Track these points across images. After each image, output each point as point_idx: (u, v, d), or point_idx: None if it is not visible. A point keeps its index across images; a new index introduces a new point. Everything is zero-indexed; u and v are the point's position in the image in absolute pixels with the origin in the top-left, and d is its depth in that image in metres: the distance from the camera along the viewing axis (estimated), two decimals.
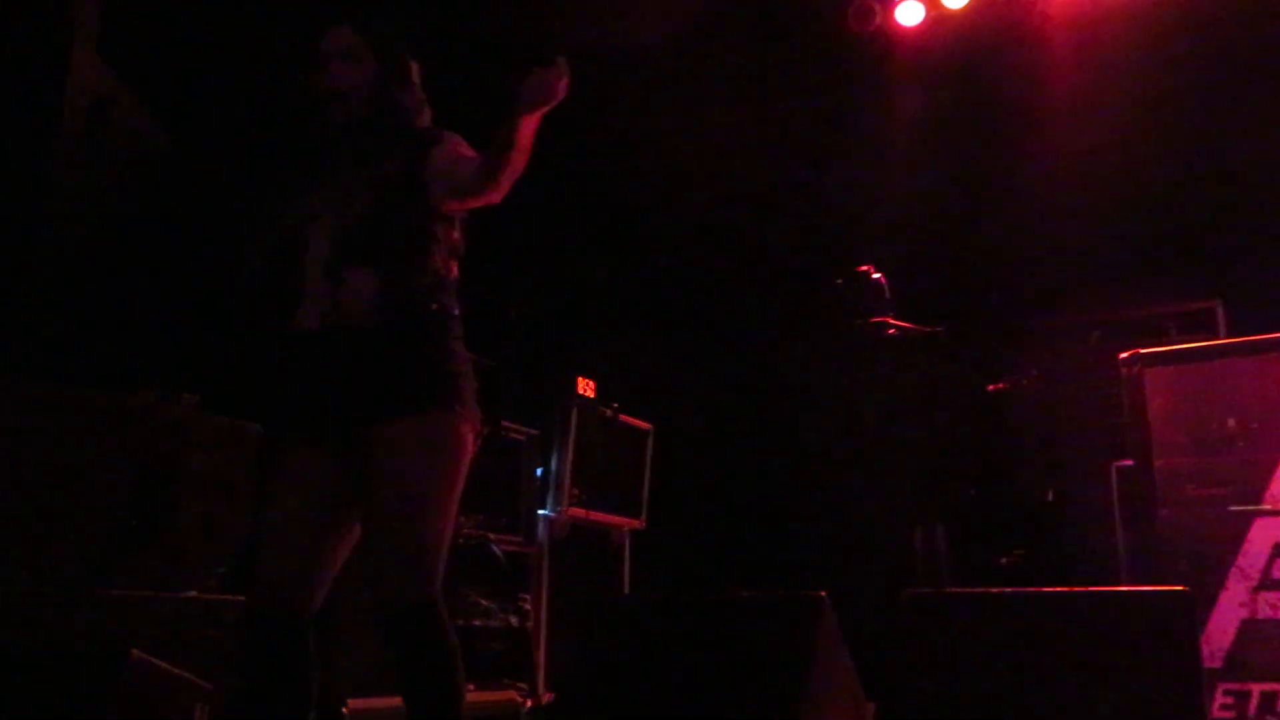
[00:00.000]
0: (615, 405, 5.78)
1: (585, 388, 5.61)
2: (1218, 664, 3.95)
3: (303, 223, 2.39)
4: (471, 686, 4.56)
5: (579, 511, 5.48)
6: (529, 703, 4.63)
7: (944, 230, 6.37)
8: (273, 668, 2.28)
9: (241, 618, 2.39)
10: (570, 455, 5.44)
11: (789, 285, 6.76)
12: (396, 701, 3.79)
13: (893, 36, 6.14)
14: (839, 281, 5.95)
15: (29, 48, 3.19)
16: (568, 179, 6.12)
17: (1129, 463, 4.63)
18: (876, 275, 5.72)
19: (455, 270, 2.53)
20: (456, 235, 2.52)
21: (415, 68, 2.50)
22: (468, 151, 2.44)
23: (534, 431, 5.45)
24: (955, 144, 6.28)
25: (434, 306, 2.38)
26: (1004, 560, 5.71)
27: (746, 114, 6.20)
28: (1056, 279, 6.26)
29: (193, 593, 3.15)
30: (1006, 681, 2.44)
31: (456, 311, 2.51)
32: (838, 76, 6.30)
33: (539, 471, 5.44)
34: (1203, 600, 3.89)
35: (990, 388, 5.85)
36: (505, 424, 5.23)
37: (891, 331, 5.78)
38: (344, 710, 3.51)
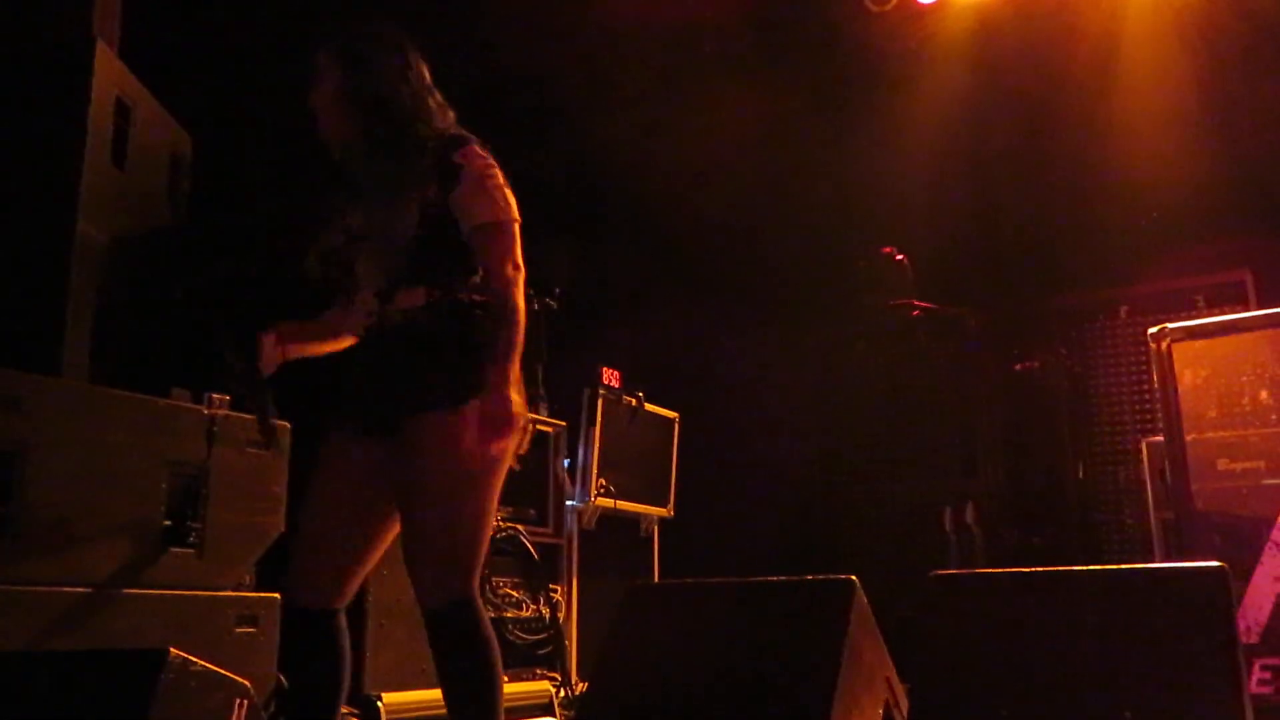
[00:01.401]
0: (641, 394, 5.79)
1: (610, 378, 5.62)
2: (1254, 639, 3.92)
3: (348, 241, 2.42)
4: (505, 677, 4.61)
5: (607, 501, 5.49)
6: (562, 692, 4.65)
7: (967, 210, 6.33)
8: (305, 658, 2.32)
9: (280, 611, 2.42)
10: (597, 446, 5.45)
11: (812, 269, 6.74)
12: (432, 695, 3.84)
13: (910, 15, 6.10)
14: (861, 264, 5.94)
15: (52, 52, 3.22)
16: (589, 167, 6.13)
17: (1160, 438, 4.60)
18: (899, 257, 5.71)
19: None
20: None
21: (395, 69, 2.43)
22: (483, 207, 2.39)
23: (561, 423, 5.47)
24: (975, 122, 6.23)
25: (478, 310, 2.40)
26: (1035, 539, 5.69)
27: (766, 97, 6.17)
28: (1082, 255, 6.21)
29: (228, 590, 3.18)
30: (1039, 661, 2.42)
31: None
32: (857, 57, 6.26)
33: (566, 463, 5.46)
34: (1238, 575, 3.86)
35: (1018, 367, 5.82)
36: (532, 416, 5.24)
37: (916, 313, 5.76)
38: (379, 704, 3.54)
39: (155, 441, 3.11)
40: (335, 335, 2.52)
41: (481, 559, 2.32)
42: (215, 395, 3.22)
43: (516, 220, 2.44)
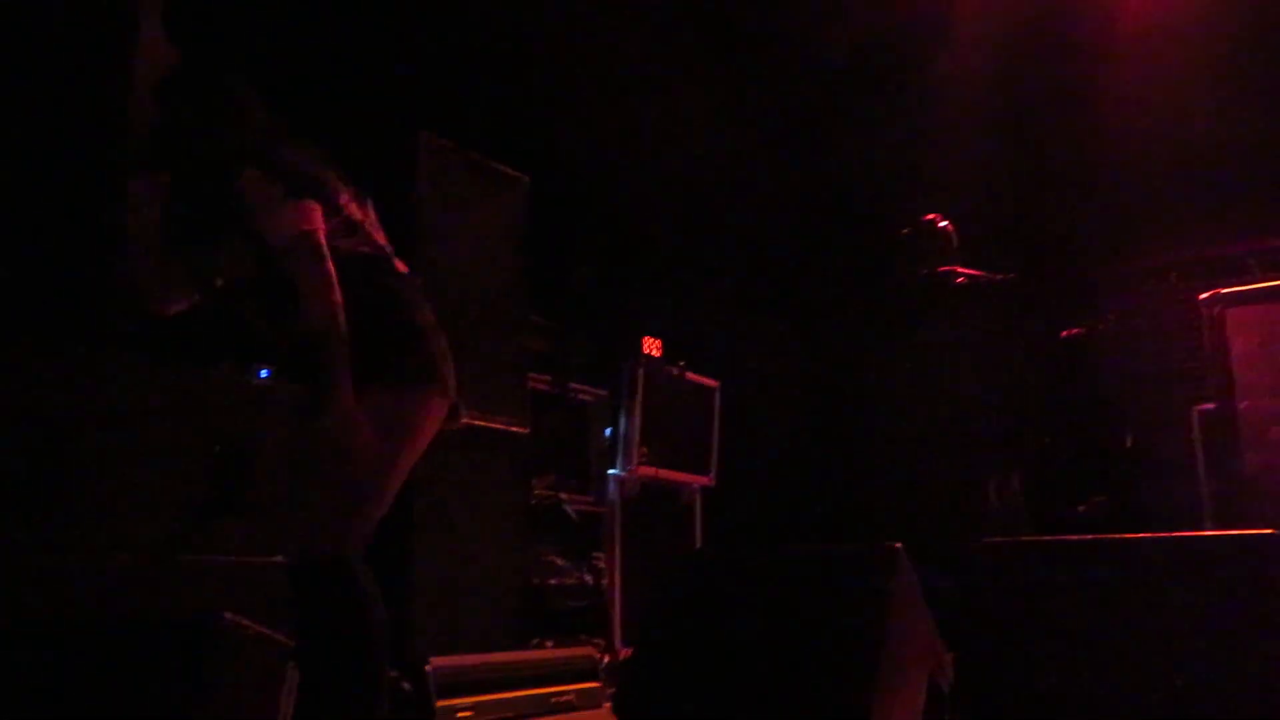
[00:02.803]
0: (682, 363, 5.78)
1: (651, 347, 5.62)
2: None
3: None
4: (549, 643, 4.66)
5: (648, 470, 5.51)
6: (606, 658, 4.69)
7: (1013, 174, 6.23)
8: (308, 617, 2.43)
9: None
10: (638, 414, 5.46)
11: (853, 237, 6.67)
12: (481, 659, 3.89)
13: None
14: (904, 231, 5.87)
15: (96, 25, 3.25)
16: (629, 136, 6.10)
17: (1211, 406, 4.53)
18: (943, 223, 5.63)
19: (367, 229, 2.56)
20: (342, 203, 2.54)
21: (200, 118, 2.51)
22: (271, 231, 2.42)
23: (602, 392, 5.48)
24: (1020, 83, 6.12)
25: (367, 289, 2.47)
26: (1081, 509, 5.63)
27: (804, 60, 6.10)
28: (1130, 219, 6.10)
29: (278, 557, 3.23)
30: (1086, 630, 2.41)
31: (398, 272, 2.54)
32: (900, 16, 6.16)
33: (608, 432, 5.48)
34: None
35: (1064, 334, 5.74)
36: (573, 385, 5.27)
37: (960, 280, 5.69)
38: (427, 668, 3.60)
39: (202, 412, 3.17)
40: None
41: (359, 527, 2.40)
42: (261, 366, 3.27)
43: (310, 233, 2.42)
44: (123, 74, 3.23)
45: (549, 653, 4.36)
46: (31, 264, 3.15)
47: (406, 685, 2.70)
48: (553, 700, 4.03)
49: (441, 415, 2.51)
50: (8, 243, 3.18)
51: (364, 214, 2.59)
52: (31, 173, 3.15)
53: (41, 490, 2.80)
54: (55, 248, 3.15)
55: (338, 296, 2.38)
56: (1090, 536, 2.67)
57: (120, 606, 2.89)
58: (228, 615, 2.43)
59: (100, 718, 2.42)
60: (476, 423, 4.22)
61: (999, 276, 5.42)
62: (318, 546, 2.34)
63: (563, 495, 5.04)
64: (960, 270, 5.43)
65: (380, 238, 2.60)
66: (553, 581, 4.86)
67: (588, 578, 5.00)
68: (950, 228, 5.47)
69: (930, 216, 5.52)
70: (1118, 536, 2.67)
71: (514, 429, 4.48)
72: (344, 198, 2.54)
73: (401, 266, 2.58)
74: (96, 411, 2.92)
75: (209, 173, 2.46)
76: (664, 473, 5.62)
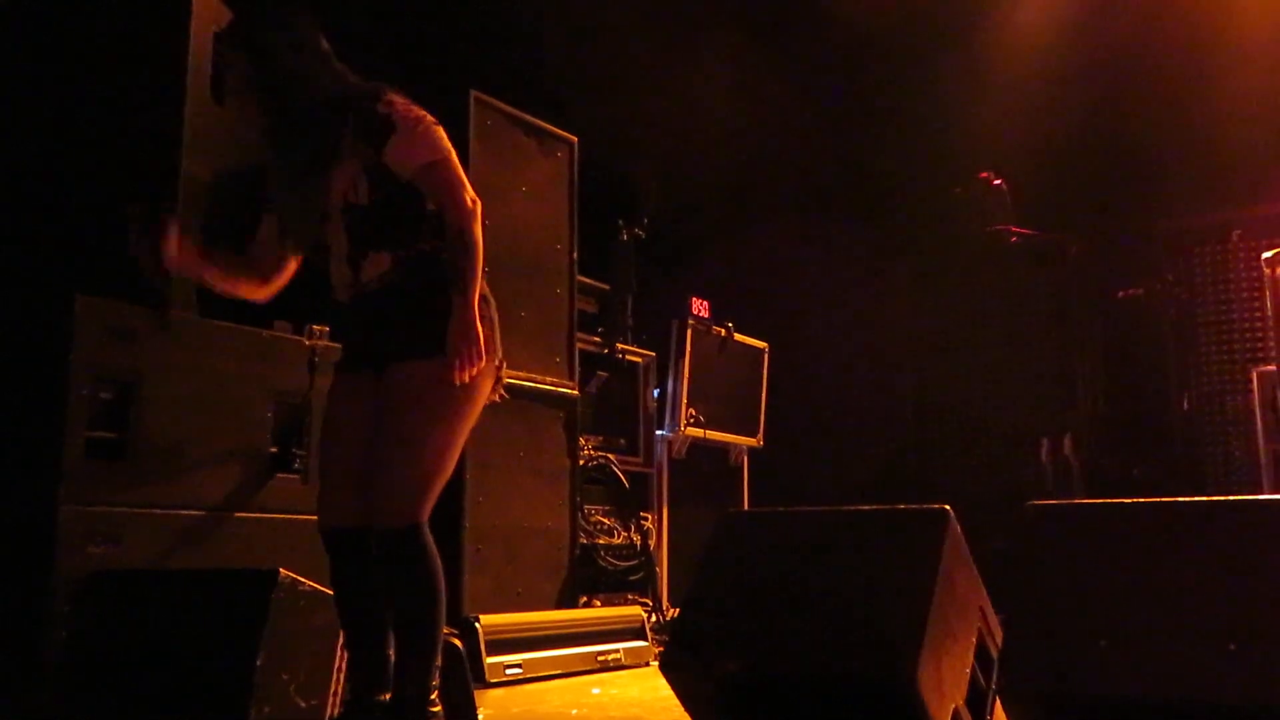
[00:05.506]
0: (730, 324, 5.77)
1: (700, 308, 5.61)
2: None
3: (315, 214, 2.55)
4: (597, 602, 4.72)
5: (696, 431, 5.52)
6: (653, 617, 4.74)
7: (1069, 129, 6.10)
8: (344, 579, 2.46)
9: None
10: (686, 376, 5.47)
11: (906, 196, 6.58)
12: (528, 617, 3.95)
13: None
14: (956, 190, 5.79)
15: None
16: (677, 98, 6.06)
17: (1272, 367, 4.45)
18: (996, 181, 5.55)
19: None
20: None
21: (288, 47, 2.46)
22: (421, 149, 2.41)
23: (650, 353, 5.49)
24: (1078, 35, 5.97)
25: (444, 255, 2.47)
26: (1135, 471, 5.56)
27: (857, 17, 5.99)
28: (1191, 175, 5.94)
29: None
30: (1138, 593, 2.38)
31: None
32: None
33: (656, 393, 5.49)
34: None
35: (1121, 294, 5.64)
36: (622, 346, 5.28)
37: (1014, 239, 5.61)
38: (477, 625, 3.66)
39: (260, 371, 3.22)
40: (238, 277, 2.59)
41: (438, 490, 2.44)
42: (315, 327, 3.31)
43: (452, 155, 2.46)
44: (181, 28, 3.26)
45: (597, 611, 4.42)
46: (100, 226, 3.22)
47: (457, 642, 2.75)
48: (600, 658, 4.09)
49: (490, 385, 2.54)
50: (77, 207, 3.25)
51: None
52: (95, 135, 3.20)
53: (115, 446, 2.88)
54: (118, 211, 3.21)
55: (478, 227, 2.43)
56: (1143, 499, 2.63)
57: (183, 559, 2.97)
58: (284, 571, 2.49)
59: (175, 658, 2.50)
60: (526, 383, 4.26)
61: (1053, 236, 5.34)
62: (406, 514, 2.38)
63: (611, 456, 5.07)
64: (1013, 229, 5.36)
65: None
66: (601, 541, 4.91)
67: (635, 538, 5.04)
68: (1003, 185, 5.39)
69: (983, 174, 5.44)
70: (1171, 500, 2.63)
71: (563, 389, 4.51)
72: None
73: None
74: (158, 370, 2.98)
75: (324, 109, 2.45)
76: (712, 434, 5.63)
